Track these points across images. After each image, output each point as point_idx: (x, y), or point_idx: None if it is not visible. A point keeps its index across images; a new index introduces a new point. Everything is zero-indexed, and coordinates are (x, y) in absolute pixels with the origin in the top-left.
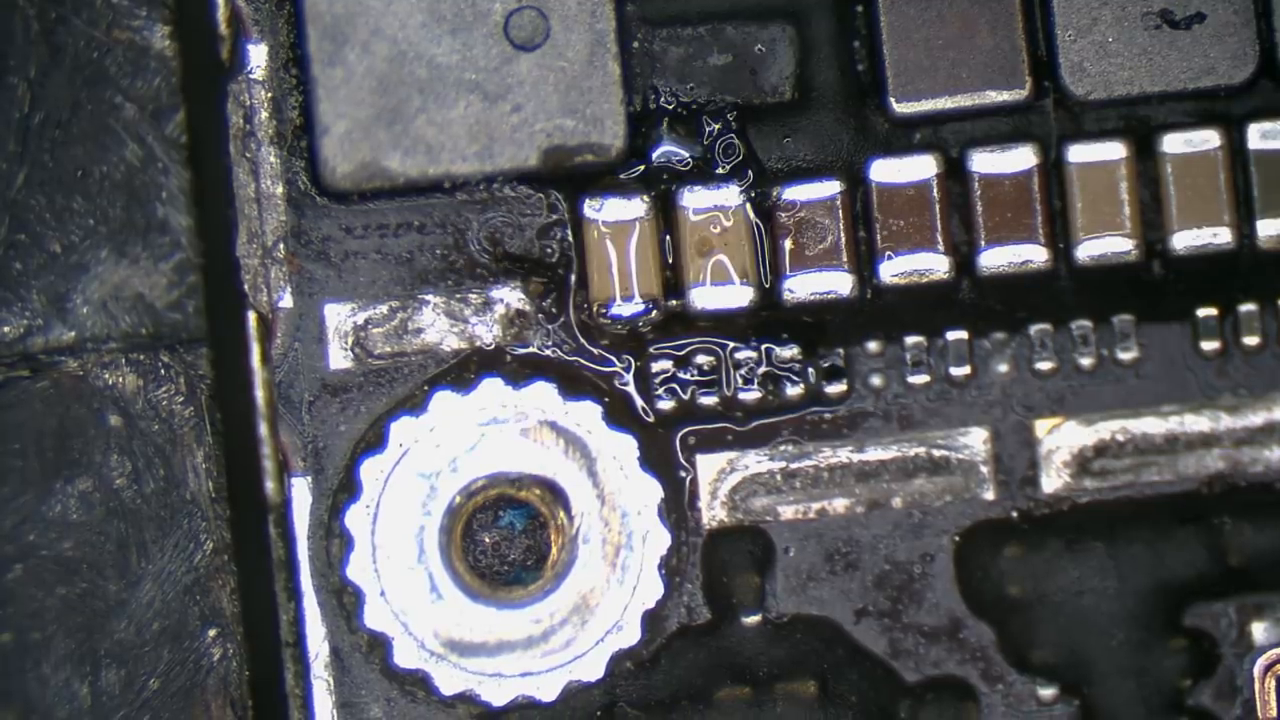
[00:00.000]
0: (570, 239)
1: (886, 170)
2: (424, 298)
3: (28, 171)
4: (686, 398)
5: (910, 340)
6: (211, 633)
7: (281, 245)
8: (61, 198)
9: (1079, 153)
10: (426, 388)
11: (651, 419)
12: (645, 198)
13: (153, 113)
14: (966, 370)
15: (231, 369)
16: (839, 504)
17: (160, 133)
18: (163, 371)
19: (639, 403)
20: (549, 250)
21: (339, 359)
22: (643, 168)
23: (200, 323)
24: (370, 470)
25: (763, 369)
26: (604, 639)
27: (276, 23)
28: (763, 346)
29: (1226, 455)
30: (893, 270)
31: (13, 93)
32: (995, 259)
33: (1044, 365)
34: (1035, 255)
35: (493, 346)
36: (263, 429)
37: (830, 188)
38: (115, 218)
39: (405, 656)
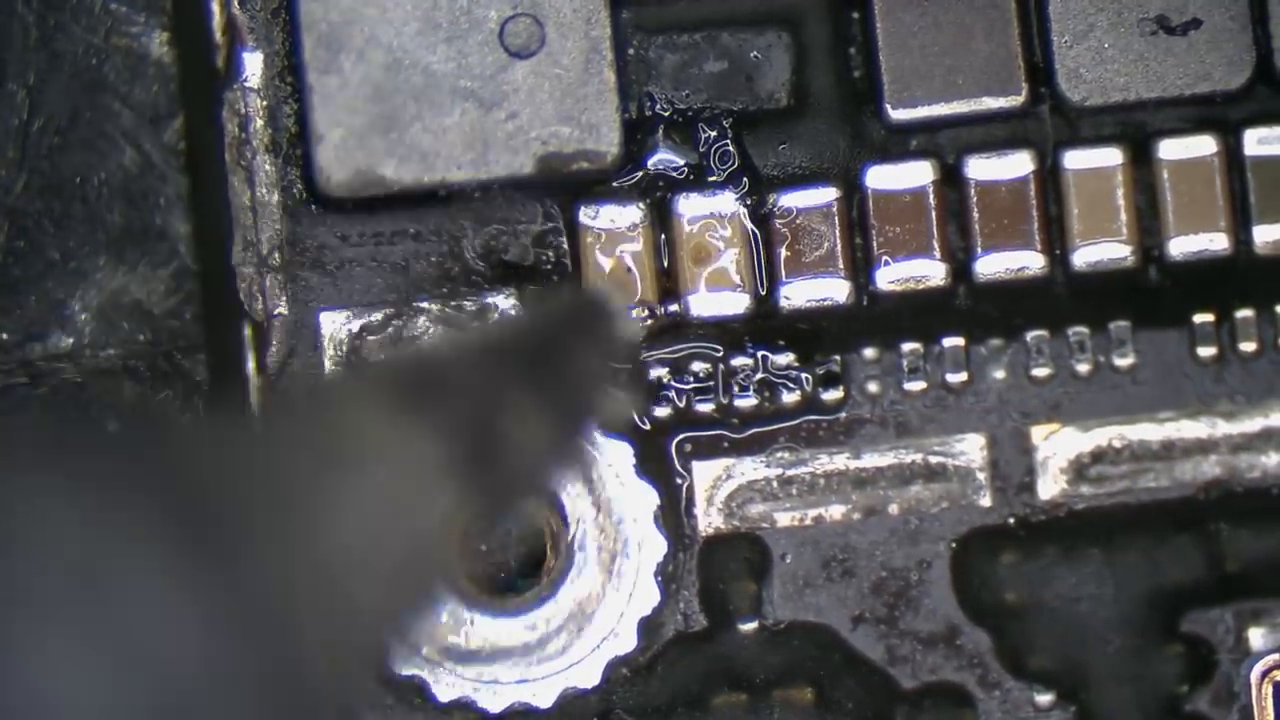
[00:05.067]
0: (566, 246)
1: (882, 177)
2: (419, 305)
3: (26, 178)
4: (683, 405)
5: (907, 347)
6: None
7: (277, 253)
8: (60, 204)
9: (1075, 159)
10: None
11: (647, 426)
12: (641, 205)
13: (151, 120)
14: (963, 377)
15: (230, 376)
16: (835, 511)
17: (158, 140)
18: (161, 379)
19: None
20: (545, 258)
21: (334, 367)
22: (638, 175)
23: (198, 330)
24: None
25: (759, 376)
26: (600, 646)
27: (272, 31)
28: (759, 353)
29: (1223, 461)
30: (889, 277)
31: (11, 99)
32: (991, 265)
33: (1040, 372)
34: (1031, 262)
35: None
36: None
37: (826, 194)
38: (113, 225)
39: (402, 664)
